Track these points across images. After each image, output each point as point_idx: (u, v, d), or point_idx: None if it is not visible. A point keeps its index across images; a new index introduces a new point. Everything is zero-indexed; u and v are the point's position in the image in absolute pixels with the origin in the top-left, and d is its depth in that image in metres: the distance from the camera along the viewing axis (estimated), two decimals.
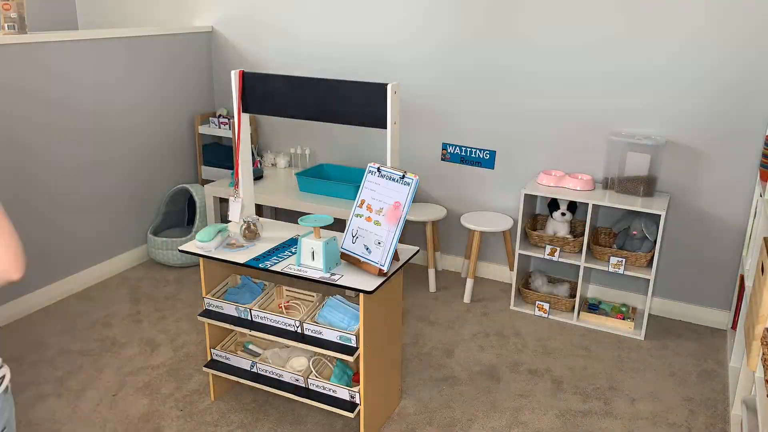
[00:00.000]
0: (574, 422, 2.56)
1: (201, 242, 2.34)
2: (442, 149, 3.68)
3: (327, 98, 2.33)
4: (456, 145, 3.63)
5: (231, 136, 4.01)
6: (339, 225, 3.30)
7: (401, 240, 2.19)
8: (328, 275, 2.18)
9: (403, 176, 2.14)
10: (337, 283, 2.14)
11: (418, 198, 3.81)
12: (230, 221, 2.58)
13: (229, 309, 2.43)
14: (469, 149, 3.61)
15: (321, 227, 2.24)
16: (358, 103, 2.26)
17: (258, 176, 3.83)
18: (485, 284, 3.75)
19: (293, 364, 2.48)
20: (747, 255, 2.90)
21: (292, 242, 2.45)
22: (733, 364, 2.85)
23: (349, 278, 2.16)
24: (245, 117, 2.50)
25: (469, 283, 3.51)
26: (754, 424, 2.15)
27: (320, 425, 2.50)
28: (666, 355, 3.06)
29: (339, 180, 3.69)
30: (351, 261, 2.25)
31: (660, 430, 2.53)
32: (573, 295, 3.42)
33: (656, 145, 3.11)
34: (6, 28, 3.08)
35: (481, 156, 3.59)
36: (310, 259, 2.24)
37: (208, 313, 2.47)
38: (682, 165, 3.19)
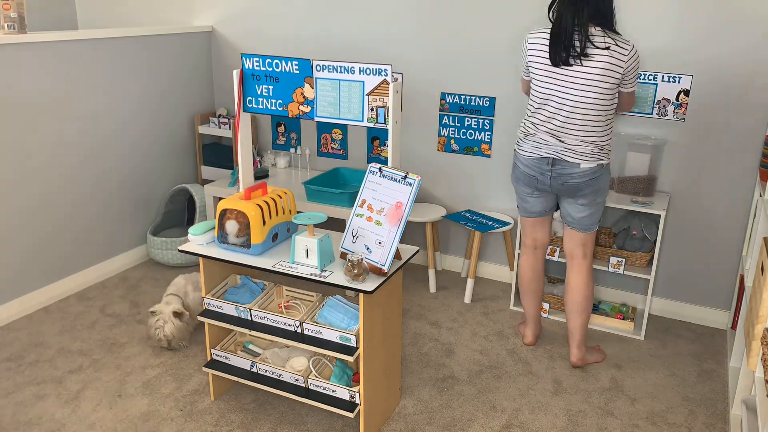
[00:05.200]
0: (574, 422, 2.56)
1: (193, 235, 2.40)
2: (441, 99, 3.62)
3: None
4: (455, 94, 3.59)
5: (231, 136, 4.01)
6: (340, 225, 3.30)
7: (401, 240, 2.19)
8: (319, 273, 2.19)
9: (405, 177, 2.14)
10: (329, 281, 2.14)
11: (417, 198, 3.80)
12: None
13: (229, 309, 2.43)
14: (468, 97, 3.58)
15: (314, 225, 2.24)
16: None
17: (263, 175, 3.84)
18: (485, 284, 3.75)
19: (293, 364, 2.47)
20: (747, 255, 2.90)
21: None
22: (733, 364, 2.85)
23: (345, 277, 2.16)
24: (245, 116, 2.49)
25: (470, 283, 3.51)
26: (754, 424, 2.15)
27: (320, 425, 2.50)
28: (666, 355, 3.06)
29: (353, 184, 3.64)
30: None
31: (660, 430, 2.53)
32: None
33: (656, 145, 3.11)
34: (6, 28, 3.08)
35: (481, 104, 3.55)
36: (304, 256, 2.24)
37: (208, 313, 2.47)
38: (682, 165, 3.19)
